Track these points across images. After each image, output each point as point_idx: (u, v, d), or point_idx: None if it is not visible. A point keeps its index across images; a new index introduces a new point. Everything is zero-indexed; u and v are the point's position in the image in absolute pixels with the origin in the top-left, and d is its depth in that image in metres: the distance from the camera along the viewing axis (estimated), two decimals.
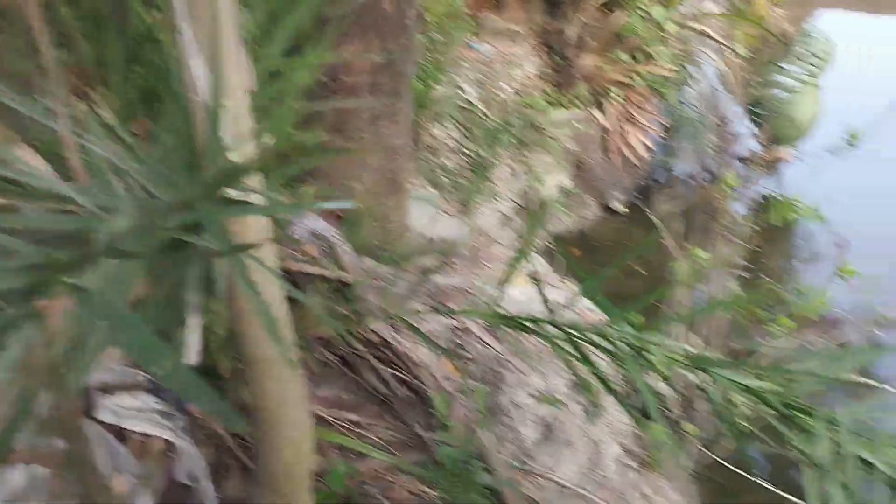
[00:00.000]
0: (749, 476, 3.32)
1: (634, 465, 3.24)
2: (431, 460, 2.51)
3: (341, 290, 2.47)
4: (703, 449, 3.64)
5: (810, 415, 1.71)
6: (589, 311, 3.53)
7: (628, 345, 1.90)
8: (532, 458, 2.85)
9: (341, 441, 2.38)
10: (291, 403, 1.63)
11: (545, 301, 2.04)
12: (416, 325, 2.31)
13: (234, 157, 1.13)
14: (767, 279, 4.77)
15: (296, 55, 2.24)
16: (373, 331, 2.53)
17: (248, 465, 2.14)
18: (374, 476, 2.47)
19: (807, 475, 1.63)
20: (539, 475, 2.76)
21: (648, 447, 3.29)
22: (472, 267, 3.42)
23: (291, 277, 2.49)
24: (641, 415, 2.19)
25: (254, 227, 1.25)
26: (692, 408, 3.66)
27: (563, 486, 2.83)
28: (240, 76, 1.14)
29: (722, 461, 3.48)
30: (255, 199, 1.08)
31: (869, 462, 1.62)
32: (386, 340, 2.56)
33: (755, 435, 1.91)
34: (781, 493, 3.34)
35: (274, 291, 1.45)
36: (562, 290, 4.18)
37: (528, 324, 1.93)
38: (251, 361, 1.54)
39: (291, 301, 2.42)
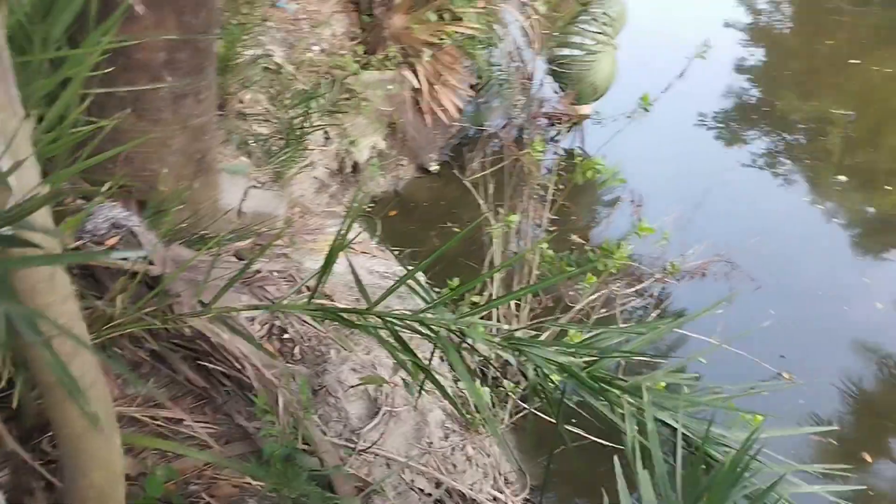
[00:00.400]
0: (564, 425, 3.54)
1: (457, 428, 3.36)
2: (257, 451, 2.46)
3: (150, 283, 2.33)
4: (520, 402, 3.83)
5: (618, 387, 1.84)
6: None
7: (448, 329, 1.94)
8: (359, 435, 2.87)
9: (158, 444, 2.27)
10: (99, 426, 1.52)
11: (361, 290, 2.04)
12: (232, 318, 2.23)
13: (13, 185, 1.02)
14: (574, 236, 5.04)
15: (81, 37, 2.05)
16: (187, 324, 2.41)
17: (54, 483, 1.99)
18: (196, 474, 2.39)
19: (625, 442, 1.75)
20: (366, 451, 2.79)
21: (469, 410, 3.42)
22: (290, 243, 3.34)
23: (92, 274, 2.32)
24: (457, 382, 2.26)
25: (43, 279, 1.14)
26: (508, 364, 3.83)
27: (391, 459, 2.88)
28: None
29: (537, 412, 3.69)
30: (39, 238, 0.98)
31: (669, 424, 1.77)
32: (201, 333, 2.45)
33: (569, 406, 2.03)
34: (596, 439, 3.59)
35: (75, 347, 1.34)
36: (381, 259, 4.20)
37: (348, 317, 1.92)
38: (49, 387, 1.43)
39: (96, 298, 2.26)
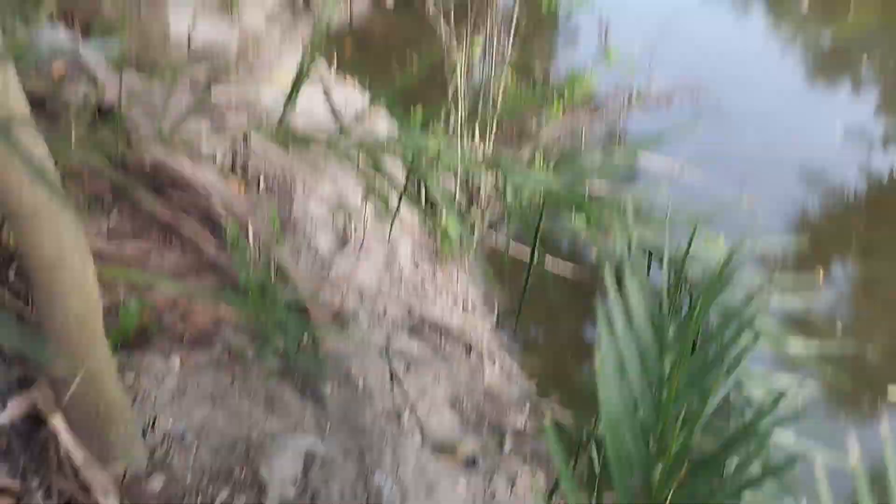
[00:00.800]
0: (532, 251, 3.58)
1: (427, 258, 3.39)
2: (229, 283, 2.45)
3: (106, 114, 2.21)
4: (489, 229, 3.86)
5: (598, 203, 1.84)
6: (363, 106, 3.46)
7: (425, 153, 1.89)
8: (330, 266, 2.88)
9: (128, 275, 2.24)
10: (71, 253, 1.48)
11: (334, 112, 1.95)
12: (193, 147, 2.14)
13: None
14: (538, 66, 4.91)
15: None
16: (147, 155, 2.33)
17: (24, 315, 1.96)
18: (170, 305, 2.38)
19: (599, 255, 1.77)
20: (338, 280, 2.80)
21: (439, 239, 3.44)
22: (247, 74, 3.19)
23: (42, 104, 2.19)
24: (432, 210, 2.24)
25: None
26: (478, 192, 3.82)
27: (362, 288, 2.91)
28: None
29: (509, 240, 3.73)
30: None
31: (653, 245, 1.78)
32: (163, 164, 2.37)
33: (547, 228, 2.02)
34: (568, 261, 3.67)
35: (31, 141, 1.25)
36: (344, 91, 4.06)
37: (318, 142, 1.85)
38: (17, 217, 1.36)
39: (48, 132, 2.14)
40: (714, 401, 1.27)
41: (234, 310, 2.35)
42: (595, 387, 2.00)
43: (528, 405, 3.08)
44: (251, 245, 2.48)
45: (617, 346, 1.36)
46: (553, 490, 2.48)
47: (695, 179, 3.58)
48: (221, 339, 2.31)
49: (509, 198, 1.90)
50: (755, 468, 1.21)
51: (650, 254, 1.88)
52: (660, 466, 1.25)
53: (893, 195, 4.87)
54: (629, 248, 1.59)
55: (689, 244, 1.72)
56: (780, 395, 1.26)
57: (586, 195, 1.92)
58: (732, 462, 1.27)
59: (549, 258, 3.25)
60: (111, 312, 2.23)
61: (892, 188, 4.90)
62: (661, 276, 1.88)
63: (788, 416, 1.30)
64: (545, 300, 3.83)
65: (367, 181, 1.97)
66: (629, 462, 1.24)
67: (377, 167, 1.87)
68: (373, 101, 1.87)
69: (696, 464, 1.26)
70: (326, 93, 1.90)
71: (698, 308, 1.45)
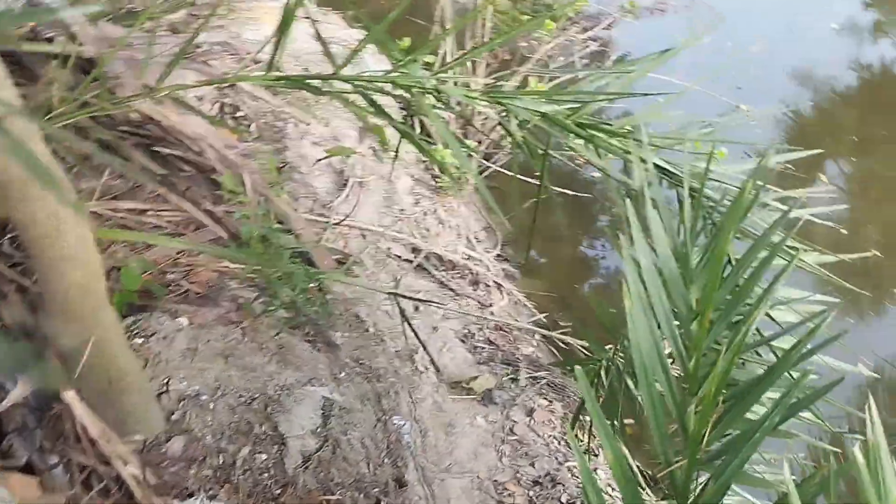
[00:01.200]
0: (529, 180, 3.53)
1: (426, 193, 3.32)
2: (230, 235, 2.39)
3: (85, 67, 2.11)
4: (484, 161, 3.78)
5: (605, 131, 1.77)
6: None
7: (421, 88, 1.81)
8: (330, 209, 2.81)
9: (126, 236, 2.17)
10: (68, 220, 1.41)
11: (325, 51, 1.86)
12: (180, 97, 2.05)
13: None
14: None
15: None
16: (133, 108, 2.23)
17: (27, 287, 1.90)
18: (171, 263, 2.33)
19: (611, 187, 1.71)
20: (340, 224, 2.74)
21: (438, 173, 3.36)
22: (226, 14, 3.05)
23: (19, 62, 2.08)
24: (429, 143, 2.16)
25: None
26: (469, 125, 3.73)
27: (365, 230, 2.85)
28: None
29: (503, 170, 3.66)
30: None
31: (666, 170, 1.73)
32: (150, 117, 2.27)
33: (549, 154, 1.96)
34: (564, 189, 3.61)
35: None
36: (329, 26, 3.92)
37: (314, 83, 1.76)
38: (7, 188, 1.29)
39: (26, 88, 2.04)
40: (749, 330, 1.23)
41: (238, 263, 2.29)
42: (602, 311, 1.97)
43: (537, 336, 3.07)
44: (249, 195, 2.41)
45: (642, 281, 1.31)
46: (575, 419, 2.49)
47: (694, 90, 3.48)
48: (227, 294, 2.26)
49: (513, 128, 1.83)
50: (795, 396, 1.18)
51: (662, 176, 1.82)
52: (693, 404, 1.22)
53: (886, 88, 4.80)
54: (646, 175, 1.53)
55: (707, 166, 1.67)
56: (821, 318, 1.22)
57: (597, 119, 1.85)
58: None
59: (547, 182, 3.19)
60: (112, 277, 2.17)
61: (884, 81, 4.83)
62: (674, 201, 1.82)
63: (826, 339, 1.26)
64: (547, 224, 3.79)
65: (363, 119, 1.89)
66: (662, 403, 1.21)
67: (373, 104, 1.79)
68: (362, 36, 1.77)
69: (731, 399, 1.23)
70: (317, 31, 1.81)
71: (724, 233, 1.40)
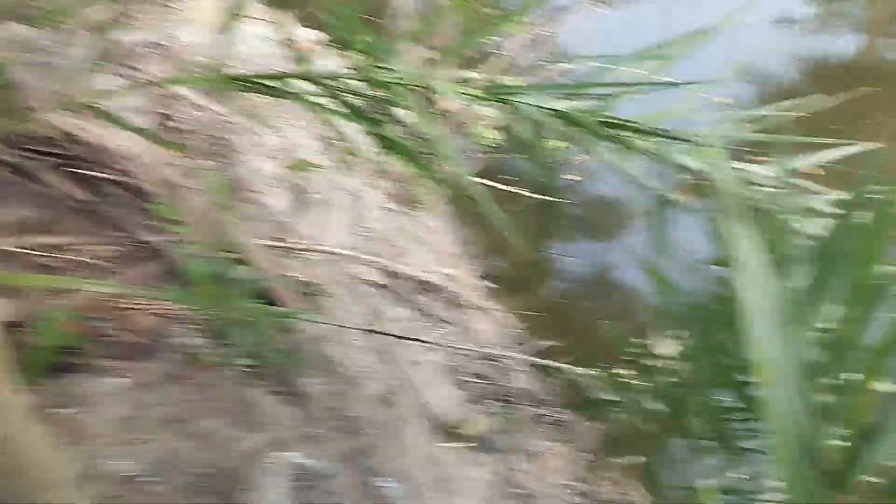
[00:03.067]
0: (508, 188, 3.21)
1: (397, 206, 2.96)
2: (170, 268, 2.00)
3: None
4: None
5: (632, 129, 1.43)
6: (309, 42, 2.97)
7: (403, 86, 1.46)
8: (290, 231, 2.43)
9: (43, 281, 1.77)
10: None
11: (287, 48, 1.50)
12: (105, 107, 1.65)
13: None
14: None
15: None
16: (49, 124, 1.83)
17: None
18: (103, 307, 1.92)
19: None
20: (304, 249, 2.37)
21: (409, 185, 3.01)
22: (159, 14, 2.64)
23: None
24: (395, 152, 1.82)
25: None
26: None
27: (332, 253, 2.48)
28: None
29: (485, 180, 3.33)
30: None
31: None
32: (70, 133, 1.88)
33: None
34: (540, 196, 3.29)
35: None
36: (274, 24, 3.52)
37: (271, 83, 1.39)
38: None
39: None
40: None
41: (185, 305, 1.90)
42: (621, 340, 1.64)
43: (530, 363, 2.72)
44: (192, 219, 2.02)
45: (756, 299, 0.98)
46: (595, 461, 2.15)
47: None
48: (173, 343, 1.87)
49: (523, 131, 1.48)
50: None
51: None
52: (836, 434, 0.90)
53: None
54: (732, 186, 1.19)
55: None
56: None
57: (621, 118, 1.51)
58: None
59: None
60: (25, 327, 1.77)
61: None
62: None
63: None
64: (525, 230, 3.46)
65: (325, 125, 1.54)
66: (797, 434, 0.88)
67: (347, 106, 1.43)
68: (317, 37, 1.42)
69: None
70: (276, 30, 1.44)
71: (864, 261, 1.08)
